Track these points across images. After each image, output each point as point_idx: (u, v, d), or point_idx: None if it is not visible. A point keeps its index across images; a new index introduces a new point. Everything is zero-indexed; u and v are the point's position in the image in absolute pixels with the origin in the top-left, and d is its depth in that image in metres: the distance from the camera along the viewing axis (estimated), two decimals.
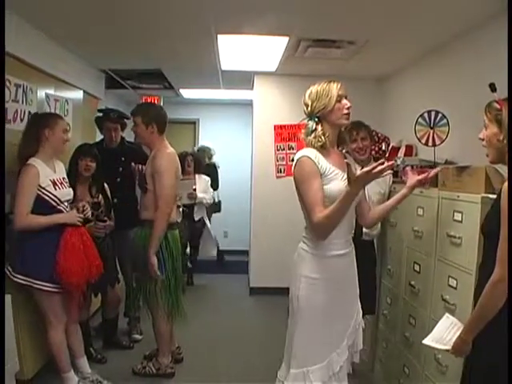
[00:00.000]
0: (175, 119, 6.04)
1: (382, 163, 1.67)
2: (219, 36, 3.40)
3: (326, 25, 3.13)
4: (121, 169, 3.55)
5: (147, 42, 3.60)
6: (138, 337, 3.68)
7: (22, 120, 2.88)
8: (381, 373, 2.98)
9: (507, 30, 1.87)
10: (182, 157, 4.71)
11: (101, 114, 3.71)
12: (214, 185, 5.60)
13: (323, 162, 1.90)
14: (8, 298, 2.40)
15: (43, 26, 3.14)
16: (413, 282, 2.49)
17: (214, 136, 6.91)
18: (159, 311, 2.94)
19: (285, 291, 2.17)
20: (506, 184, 1.44)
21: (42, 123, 2.55)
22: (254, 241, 5.11)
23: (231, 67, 4.45)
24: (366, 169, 1.66)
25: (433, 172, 2.21)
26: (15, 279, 2.46)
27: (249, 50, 3.83)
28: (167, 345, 3.06)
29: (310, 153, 1.90)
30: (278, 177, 4.86)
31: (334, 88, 1.92)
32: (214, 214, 5.81)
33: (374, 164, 1.66)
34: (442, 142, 2.64)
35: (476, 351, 1.56)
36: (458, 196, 2.08)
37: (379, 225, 2.92)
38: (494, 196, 1.61)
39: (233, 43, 3.59)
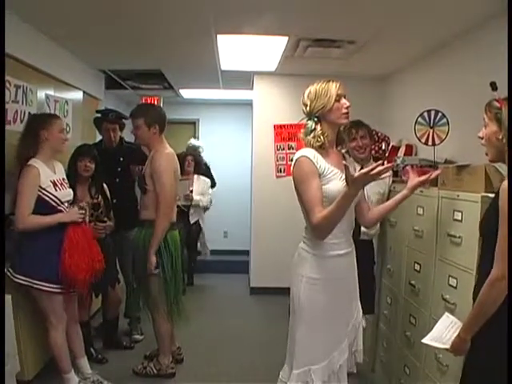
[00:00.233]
0: (175, 119, 6.05)
1: (382, 164, 1.66)
2: (219, 36, 3.40)
3: (325, 24, 3.13)
4: (120, 169, 3.55)
5: (147, 43, 3.60)
6: (138, 337, 3.68)
7: (21, 121, 2.88)
8: (381, 372, 2.98)
9: (507, 30, 1.87)
10: (182, 157, 4.69)
11: (99, 115, 3.72)
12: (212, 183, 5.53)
13: (322, 162, 1.90)
14: (8, 299, 2.40)
15: (43, 26, 3.15)
16: (413, 282, 2.49)
17: (213, 136, 6.92)
18: (159, 311, 2.94)
19: (285, 291, 2.17)
20: (504, 182, 1.44)
21: (38, 125, 2.55)
22: (254, 241, 5.11)
23: (231, 67, 4.45)
24: (364, 170, 1.66)
25: (434, 174, 2.20)
26: (16, 280, 2.47)
27: (248, 50, 3.84)
28: (168, 345, 3.06)
29: (309, 153, 1.90)
30: (277, 176, 4.86)
31: (333, 87, 1.92)
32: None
33: (373, 165, 1.65)
34: (441, 142, 2.63)
35: (475, 350, 1.56)
36: (458, 195, 2.08)
37: (378, 224, 2.92)
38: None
39: (232, 43, 3.59)
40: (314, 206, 1.82)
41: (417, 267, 2.47)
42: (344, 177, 1.86)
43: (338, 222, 1.81)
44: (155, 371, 3.03)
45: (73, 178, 2.88)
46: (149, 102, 5.55)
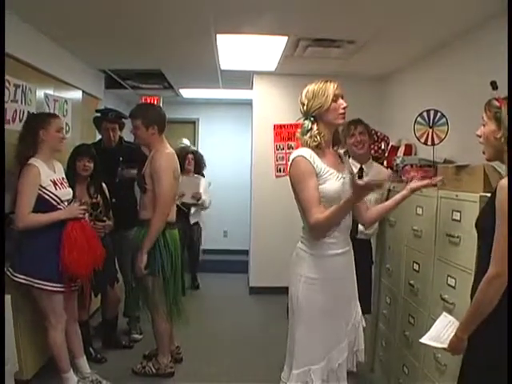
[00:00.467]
0: (175, 119, 6.05)
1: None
2: (218, 36, 3.40)
3: (325, 24, 3.13)
4: (119, 169, 3.55)
5: (147, 42, 3.60)
6: (137, 336, 3.68)
7: (21, 120, 2.88)
8: (380, 372, 2.98)
9: (507, 30, 1.87)
10: (183, 155, 4.65)
11: (99, 114, 3.71)
12: None
13: (318, 162, 1.91)
14: (8, 298, 2.41)
15: (43, 26, 3.15)
16: (412, 282, 2.49)
17: (213, 135, 6.94)
18: (158, 311, 2.94)
19: (285, 290, 2.17)
20: (502, 181, 1.44)
21: (36, 124, 2.55)
22: (254, 240, 5.11)
23: (230, 67, 4.45)
24: (369, 181, 1.67)
25: (436, 180, 2.20)
26: (16, 279, 2.47)
27: (248, 50, 3.84)
28: (167, 344, 3.06)
29: (305, 153, 1.91)
30: (277, 176, 4.88)
31: (331, 87, 1.92)
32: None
33: (380, 180, 1.69)
34: (440, 142, 2.63)
35: (473, 349, 1.56)
36: (457, 195, 2.08)
37: (376, 224, 2.92)
38: None
39: (232, 43, 3.59)
40: (312, 205, 1.83)
41: (416, 267, 2.48)
42: (340, 177, 1.91)
43: (335, 224, 1.84)
44: (154, 371, 3.03)
45: (72, 177, 2.88)
46: (148, 101, 5.54)
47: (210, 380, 3.05)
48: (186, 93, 6.07)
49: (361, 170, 2.87)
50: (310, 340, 1.96)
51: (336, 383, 1.99)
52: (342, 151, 2.17)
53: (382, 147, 3.36)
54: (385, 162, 3.36)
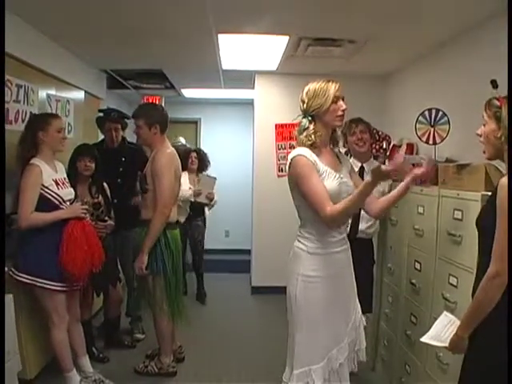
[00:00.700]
0: (177, 119, 6.06)
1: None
2: (220, 35, 3.40)
3: (326, 24, 3.13)
4: (121, 169, 3.55)
5: (148, 42, 3.60)
6: (139, 336, 3.68)
7: (23, 121, 2.89)
8: (382, 371, 2.98)
9: (507, 30, 1.87)
10: (186, 154, 4.60)
11: (101, 114, 3.72)
12: None
13: (317, 161, 1.91)
14: (9, 298, 2.42)
15: (44, 26, 3.15)
16: (414, 281, 2.49)
17: (215, 135, 6.94)
18: (160, 310, 2.94)
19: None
20: (502, 179, 1.44)
21: (37, 125, 2.56)
22: (256, 240, 5.11)
23: (232, 66, 4.45)
24: (389, 167, 1.73)
25: (432, 163, 2.14)
26: (19, 278, 2.48)
27: (249, 49, 3.83)
28: (169, 344, 3.07)
29: (305, 152, 1.91)
30: (279, 176, 4.88)
31: (332, 88, 1.92)
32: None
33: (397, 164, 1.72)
34: (442, 141, 2.64)
35: (474, 348, 1.56)
36: (458, 194, 2.08)
37: (377, 223, 2.92)
38: None
39: (233, 42, 3.59)
40: (323, 198, 1.82)
41: (417, 266, 2.48)
42: (338, 176, 1.92)
43: (353, 212, 1.86)
44: (156, 370, 3.04)
45: (73, 177, 2.89)
46: (150, 101, 5.55)
47: (212, 379, 3.05)
48: (188, 93, 6.07)
49: (362, 169, 2.87)
50: (309, 339, 1.95)
51: (338, 383, 1.99)
52: (343, 150, 2.17)
53: (384, 146, 3.36)
54: (386, 162, 3.36)
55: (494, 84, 1.69)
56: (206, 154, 4.92)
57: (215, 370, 3.19)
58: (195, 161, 4.76)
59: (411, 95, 4.11)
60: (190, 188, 4.52)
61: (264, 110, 4.96)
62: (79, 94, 4.15)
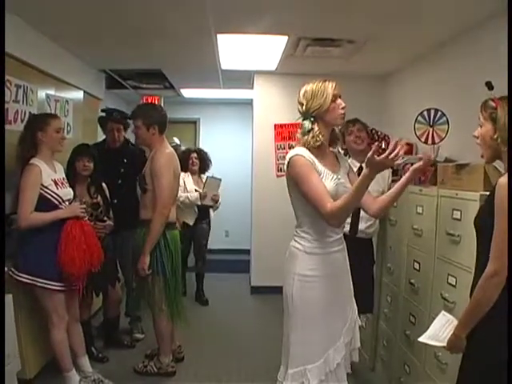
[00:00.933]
0: (176, 119, 6.05)
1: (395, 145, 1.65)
2: (219, 35, 3.40)
3: (325, 24, 3.13)
4: (122, 170, 3.55)
5: (147, 42, 3.60)
6: (139, 336, 3.68)
7: (22, 121, 2.89)
8: (381, 371, 2.99)
9: (507, 30, 1.87)
10: (186, 155, 4.61)
11: (104, 114, 3.72)
12: None
13: (315, 162, 1.91)
14: (9, 298, 2.42)
15: (43, 26, 3.15)
16: (413, 281, 2.50)
17: (214, 135, 6.94)
18: (160, 310, 2.94)
19: None
20: (501, 179, 1.44)
21: (36, 125, 2.56)
22: (255, 240, 5.11)
23: (231, 66, 4.45)
24: (384, 154, 1.64)
25: (432, 157, 2.13)
26: (19, 278, 2.48)
27: (248, 50, 3.84)
28: (168, 344, 3.07)
29: (303, 152, 1.90)
30: (278, 176, 4.88)
31: (330, 87, 1.91)
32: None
33: (390, 148, 1.64)
34: (441, 141, 2.64)
35: (472, 348, 1.56)
36: (457, 194, 2.09)
37: (377, 223, 2.92)
38: None
39: (232, 42, 3.59)
40: (323, 196, 1.81)
41: (416, 266, 2.48)
42: (335, 178, 1.91)
43: (353, 207, 1.81)
44: (156, 370, 3.04)
45: (72, 177, 2.89)
46: (149, 101, 5.55)
47: (212, 379, 3.05)
48: (187, 93, 6.07)
49: (360, 169, 2.87)
50: (305, 339, 1.94)
51: None
52: (342, 151, 2.16)
53: (383, 146, 3.36)
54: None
55: (489, 86, 1.68)
56: (206, 154, 4.89)
57: (215, 369, 3.19)
58: (196, 161, 4.73)
59: (410, 95, 4.12)
60: (196, 190, 4.52)
61: (263, 110, 4.96)
62: (78, 94, 4.15)
